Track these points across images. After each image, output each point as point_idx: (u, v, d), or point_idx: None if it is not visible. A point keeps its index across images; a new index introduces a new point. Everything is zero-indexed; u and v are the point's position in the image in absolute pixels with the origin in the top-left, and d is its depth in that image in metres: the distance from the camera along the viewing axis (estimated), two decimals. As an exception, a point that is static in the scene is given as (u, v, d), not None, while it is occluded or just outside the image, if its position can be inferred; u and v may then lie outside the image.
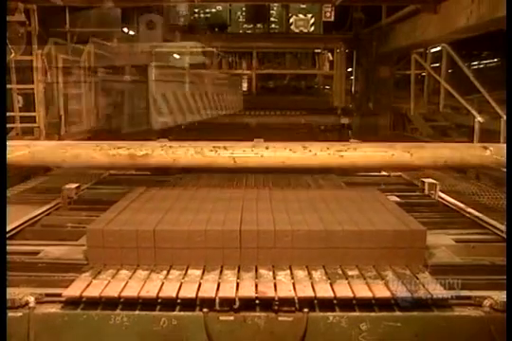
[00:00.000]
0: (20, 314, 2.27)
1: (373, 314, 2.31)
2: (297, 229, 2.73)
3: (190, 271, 2.60)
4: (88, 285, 2.42)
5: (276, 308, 2.30)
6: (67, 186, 4.07)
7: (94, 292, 2.36)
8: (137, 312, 2.31)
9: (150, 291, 2.37)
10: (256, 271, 2.61)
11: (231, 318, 2.29)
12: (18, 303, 2.28)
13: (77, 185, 4.15)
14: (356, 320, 2.29)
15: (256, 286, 2.43)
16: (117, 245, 2.69)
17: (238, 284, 2.45)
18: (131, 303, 2.35)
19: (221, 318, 2.29)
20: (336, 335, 2.29)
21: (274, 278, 2.51)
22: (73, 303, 2.35)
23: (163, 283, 2.45)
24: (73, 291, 2.36)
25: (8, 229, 3.10)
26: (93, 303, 2.35)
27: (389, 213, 3.07)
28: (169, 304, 2.35)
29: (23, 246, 3.05)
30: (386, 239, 2.71)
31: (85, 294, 2.34)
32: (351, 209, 3.14)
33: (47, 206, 3.83)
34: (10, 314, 2.24)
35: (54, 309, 2.33)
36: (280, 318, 2.29)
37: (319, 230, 2.74)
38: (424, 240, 2.75)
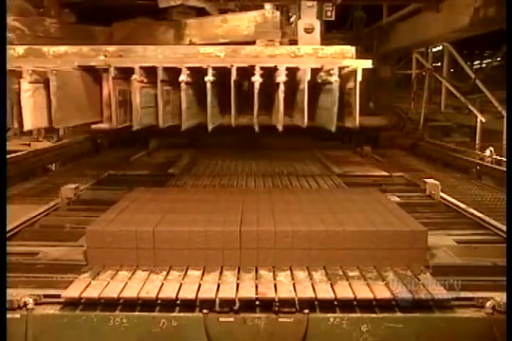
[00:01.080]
0: (18, 315, 2.26)
1: (374, 315, 2.29)
2: (297, 230, 2.71)
3: (190, 272, 2.58)
4: (87, 286, 2.40)
5: (276, 309, 2.28)
6: (66, 186, 4.06)
7: (93, 293, 2.34)
8: (136, 313, 2.30)
9: (149, 292, 2.35)
10: (256, 272, 2.59)
11: (231, 319, 2.27)
12: (16, 304, 2.27)
13: (76, 185, 4.13)
14: (356, 321, 2.28)
15: (256, 287, 2.41)
16: (116, 246, 2.68)
17: (238, 285, 2.43)
18: (130, 304, 2.33)
19: (221, 319, 2.27)
20: (337, 337, 2.27)
21: (274, 279, 2.50)
22: (72, 304, 2.33)
23: (163, 284, 2.43)
24: (72, 292, 2.35)
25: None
26: (92, 304, 2.33)
27: (390, 214, 3.05)
28: (168, 305, 2.33)
29: (21, 247, 3.03)
30: (387, 239, 2.69)
31: (84, 295, 2.32)
32: (351, 210, 3.12)
33: (46, 207, 3.81)
34: (9, 315, 2.22)
35: (53, 310, 2.32)
36: (280, 319, 2.28)
37: (319, 230, 2.72)
38: (425, 240, 2.73)
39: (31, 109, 2.71)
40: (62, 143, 6.87)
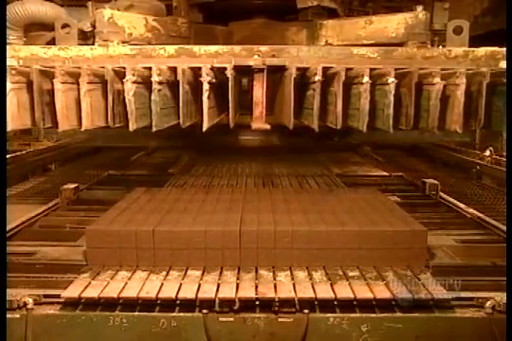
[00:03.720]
0: (18, 315, 2.26)
1: (374, 315, 2.29)
2: (297, 230, 2.71)
3: (189, 272, 2.58)
4: (87, 286, 2.40)
5: (276, 309, 2.28)
6: (66, 186, 4.05)
7: (93, 293, 2.34)
8: (136, 313, 2.30)
9: (149, 292, 2.35)
10: (256, 272, 2.59)
11: (231, 319, 2.27)
12: (16, 304, 2.27)
13: (75, 185, 4.13)
14: (356, 321, 2.27)
15: (256, 287, 2.41)
16: (116, 246, 2.67)
17: (238, 285, 2.43)
18: (130, 304, 2.33)
19: (221, 319, 2.27)
20: (336, 337, 2.27)
21: (274, 279, 2.50)
22: (72, 304, 2.33)
23: (163, 284, 2.43)
24: (71, 292, 2.34)
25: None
26: (92, 304, 2.33)
27: (390, 213, 3.05)
28: (168, 305, 2.33)
29: (21, 247, 3.02)
30: (387, 239, 2.69)
31: (84, 295, 2.32)
32: (351, 210, 3.12)
33: (46, 207, 3.81)
34: (9, 315, 2.22)
35: (53, 310, 2.31)
36: (280, 319, 2.27)
37: (319, 230, 2.72)
38: (425, 240, 2.73)
39: (208, 109, 2.79)
40: (62, 143, 6.86)
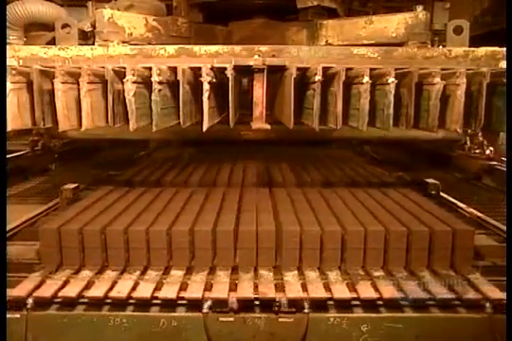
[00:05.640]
0: (18, 315, 2.26)
1: (374, 315, 2.29)
2: (302, 230, 2.69)
3: (172, 271, 2.58)
4: (37, 286, 2.40)
5: (276, 309, 2.28)
6: (66, 186, 4.05)
7: (45, 292, 2.34)
8: (136, 313, 2.30)
9: (120, 291, 2.35)
10: (256, 272, 2.59)
11: (231, 319, 2.27)
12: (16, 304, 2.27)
13: (75, 185, 4.12)
14: (356, 321, 2.28)
15: (256, 287, 2.41)
16: (70, 246, 2.65)
17: (236, 285, 2.43)
18: (131, 304, 2.35)
19: (221, 319, 2.27)
20: (337, 337, 2.27)
21: (274, 279, 2.50)
22: (72, 304, 2.34)
23: (138, 284, 2.46)
24: (20, 291, 2.34)
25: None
26: (92, 304, 2.34)
27: (427, 213, 3.03)
28: (168, 305, 2.34)
29: (20, 247, 3.02)
30: (435, 239, 2.67)
31: (35, 294, 2.33)
32: (388, 210, 3.10)
33: (46, 207, 3.80)
34: (9, 315, 2.21)
35: (53, 310, 2.32)
36: (280, 319, 2.27)
37: (334, 230, 2.69)
38: (472, 240, 2.72)
39: (208, 109, 2.80)
40: (62, 142, 6.83)
